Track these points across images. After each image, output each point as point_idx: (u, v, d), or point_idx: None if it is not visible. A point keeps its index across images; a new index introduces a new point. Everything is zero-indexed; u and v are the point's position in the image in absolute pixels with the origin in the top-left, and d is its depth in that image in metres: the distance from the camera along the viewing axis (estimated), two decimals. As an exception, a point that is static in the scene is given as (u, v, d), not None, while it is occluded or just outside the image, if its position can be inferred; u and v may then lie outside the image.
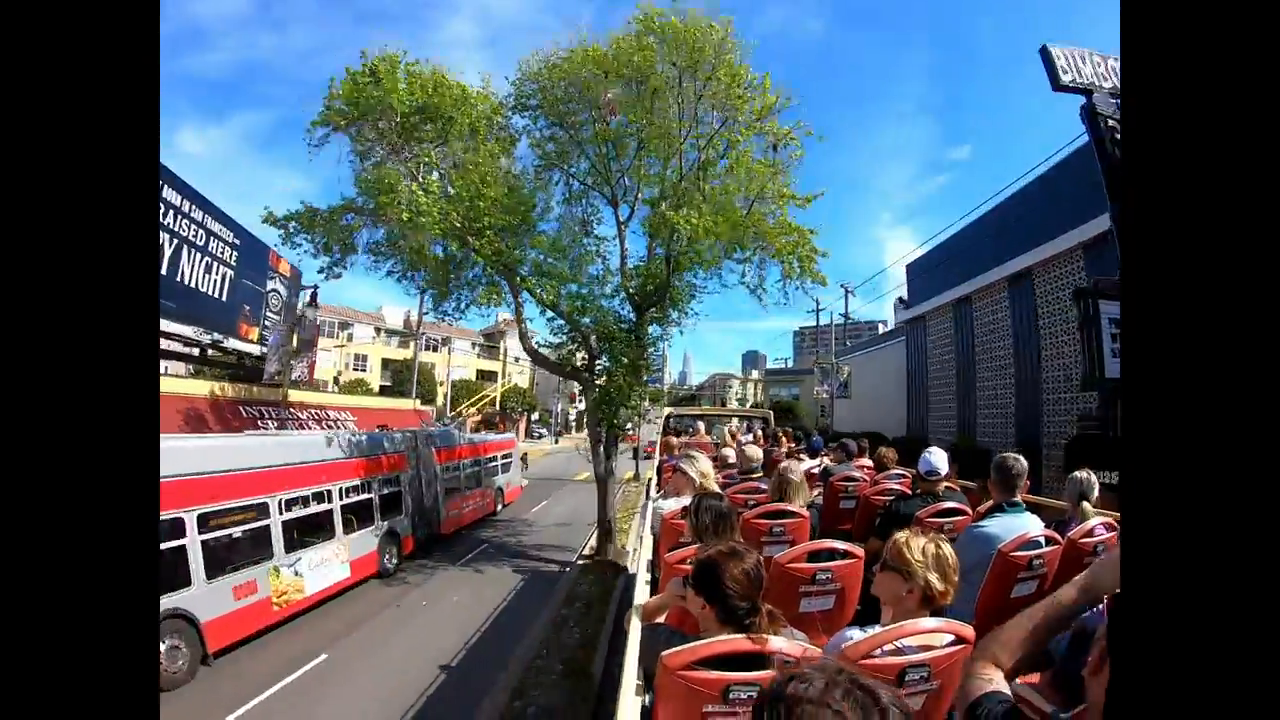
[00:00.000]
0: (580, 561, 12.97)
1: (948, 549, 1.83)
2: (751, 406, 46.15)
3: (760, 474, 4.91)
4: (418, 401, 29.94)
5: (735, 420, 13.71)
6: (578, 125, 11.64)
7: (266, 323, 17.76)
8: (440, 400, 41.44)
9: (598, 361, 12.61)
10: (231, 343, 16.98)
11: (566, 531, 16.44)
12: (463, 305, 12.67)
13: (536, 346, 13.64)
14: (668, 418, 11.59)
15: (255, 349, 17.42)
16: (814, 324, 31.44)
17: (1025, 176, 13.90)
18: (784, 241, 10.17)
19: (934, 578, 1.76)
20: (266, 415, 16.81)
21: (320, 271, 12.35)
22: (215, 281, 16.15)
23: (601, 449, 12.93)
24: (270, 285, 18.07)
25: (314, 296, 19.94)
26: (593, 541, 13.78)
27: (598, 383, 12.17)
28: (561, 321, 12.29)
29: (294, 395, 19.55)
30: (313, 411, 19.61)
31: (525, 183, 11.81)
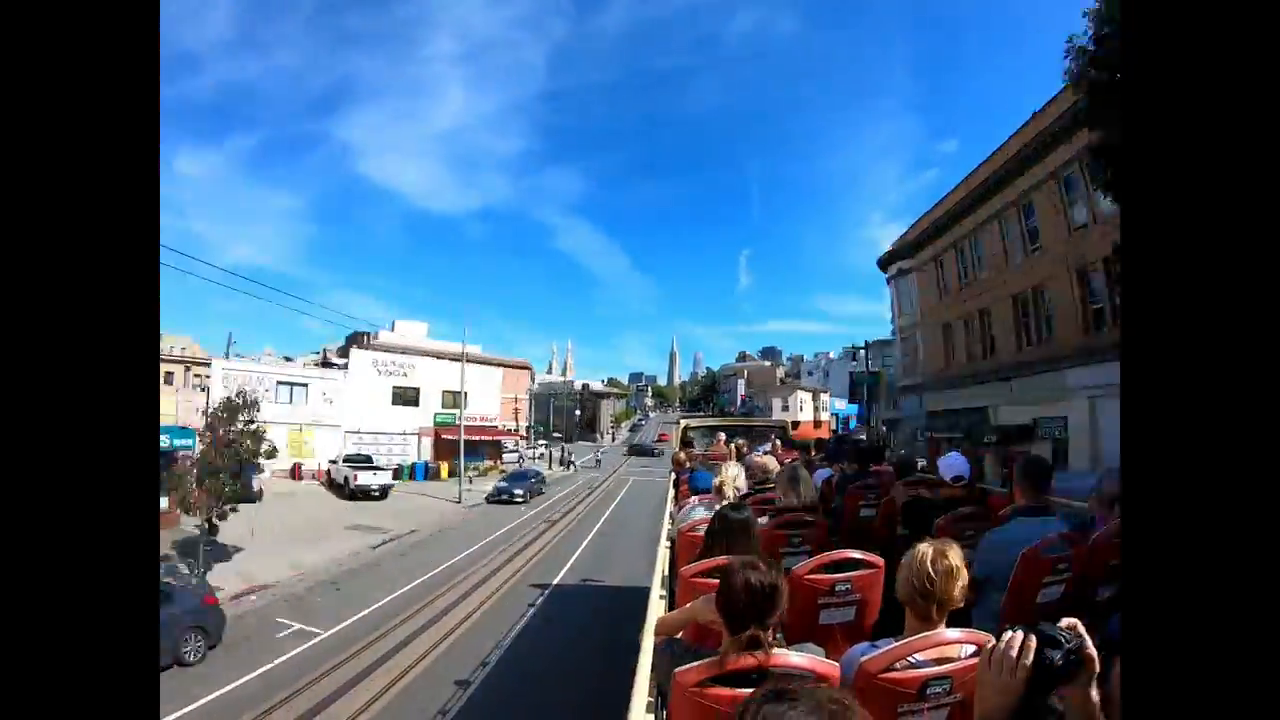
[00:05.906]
0: None
1: (951, 560, 1.75)
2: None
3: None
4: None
5: (740, 435, 13.39)
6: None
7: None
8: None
9: None
10: None
11: None
12: None
13: None
14: (685, 429, 11.35)
15: None
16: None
17: None
18: None
19: (923, 589, 1.71)
20: None
21: None
22: None
23: None
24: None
25: None
26: None
27: None
28: None
29: None
30: None
31: None
